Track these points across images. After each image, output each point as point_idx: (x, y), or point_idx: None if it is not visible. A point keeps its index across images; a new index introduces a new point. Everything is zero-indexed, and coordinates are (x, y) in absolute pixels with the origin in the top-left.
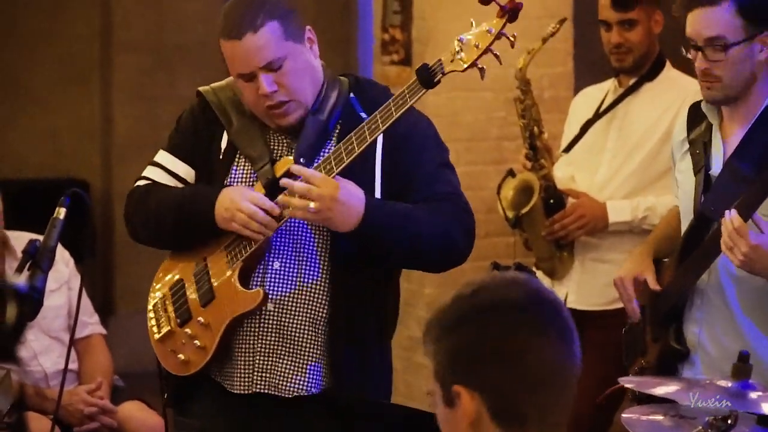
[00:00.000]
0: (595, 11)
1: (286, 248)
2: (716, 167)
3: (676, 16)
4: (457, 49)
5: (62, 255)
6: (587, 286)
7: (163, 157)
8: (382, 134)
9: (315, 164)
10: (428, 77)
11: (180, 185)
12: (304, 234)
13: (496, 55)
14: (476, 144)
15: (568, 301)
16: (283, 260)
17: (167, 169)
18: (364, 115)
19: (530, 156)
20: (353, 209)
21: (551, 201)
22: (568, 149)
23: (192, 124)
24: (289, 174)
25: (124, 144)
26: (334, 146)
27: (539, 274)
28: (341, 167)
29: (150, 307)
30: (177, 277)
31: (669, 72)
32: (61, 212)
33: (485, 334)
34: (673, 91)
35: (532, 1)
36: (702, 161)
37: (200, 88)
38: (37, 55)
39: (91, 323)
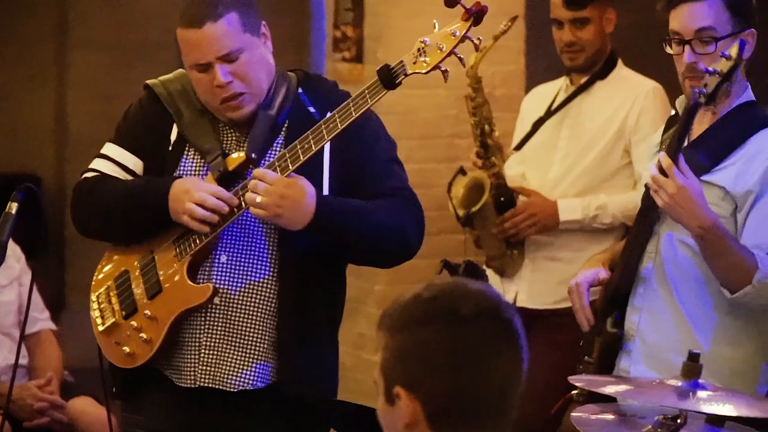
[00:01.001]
0: (547, 9)
1: (234, 242)
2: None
3: (658, 12)
4: (420, 50)
5: (14, 250)
6: (538, 285)
7: (111, 149)
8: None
9: (268, 160)
10: (390, 78)
11: (129, 177)
12: (253, 228)
13: (460, 58)
14: (429, 141)
15: (519, 299)
16: (231, 254)
17: (116, 161)
18: (312, 109)
19: (481, 154)
20: (304, 206)
21: (502, 199)
22: (519, 147)
23: (141, 117)
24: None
25: (79, 141)
26: (284, 141)
27: (489, 272)
28: (297, 165)
29: (93, 297)
30: (122, 268)
31: (621, 71)
32: (13, 207)
33: (436, 341)
34: (625, 90)
35: None
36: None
37: (148, 81)
38: None
39: (41, 319)
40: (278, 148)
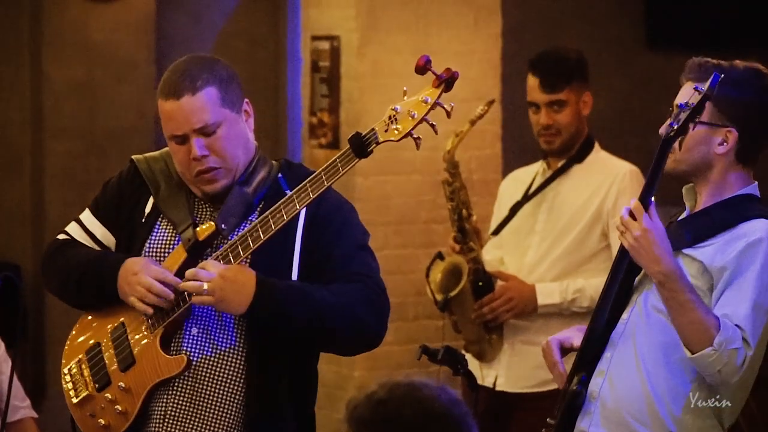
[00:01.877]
0: (523, 94)
1: (205, 315)
2: None
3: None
4: (391, 118)
5: None
6: (517, 369)
7: (86, 216)
8: (305, 209)
9: (232, 238)
10: (361, 146)
11: (96, 247)
12: None
13: (432, 125)
14: (405, 227)
15: (498, 383)
16: (201, 326)
17: (87, 229)
18: (288, 192)
19: (459, 239)
20: (244, 286)
21: (480, 284)
22: (496, 232)
23: (118, 190)
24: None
25: (56, 228)
26: (257, 220)
27: (469, 356)
28: (257, 244)
29: (65, 370)
30: (92, 340)
31: (598, 154)
32: None
33: None
34: (602, 173)
35: (461, 83)
36: None
37: (134, 156)
38: None
39: (22, 407)
40: (249, 226)
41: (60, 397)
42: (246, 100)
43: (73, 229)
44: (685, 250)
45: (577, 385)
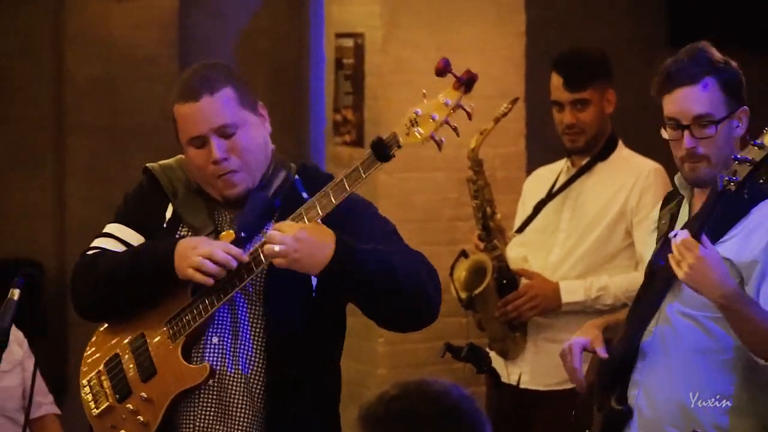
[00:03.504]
0: (547, 91)
1: (225, 323)
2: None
3: (653, 96)
4: (412, 121)
5: (16, 336)
6: (541, 367)
7: (113, 227)
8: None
9: (258, 240)
10: (383, 150)
11: None
12: (240, 311)
13: (454, 128)
14: (429, 225)
15: (522, 381)
16: (222, 335)
17: (119, 238)
18: (305, 195)
19: (483, 237)
20: (321, 245)
21: (504, 282)
22: (521, 230)
23: (140, 198)
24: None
25: (78, 225)
26: (275, 224)
27: (492, 354)
28: None
29: (84, 382)
30: (111, 351)
31: (621, 152)
32: (15, 293)
33: None
34: (626, 171)
35: (485, 81)
36: (666, 229)
37: (148, 165)
38: None
39: (45, 403)
40: (268, 231)
41: None
42: (260, 103)
43: (103, 242)
44: None
45: (621, 405)
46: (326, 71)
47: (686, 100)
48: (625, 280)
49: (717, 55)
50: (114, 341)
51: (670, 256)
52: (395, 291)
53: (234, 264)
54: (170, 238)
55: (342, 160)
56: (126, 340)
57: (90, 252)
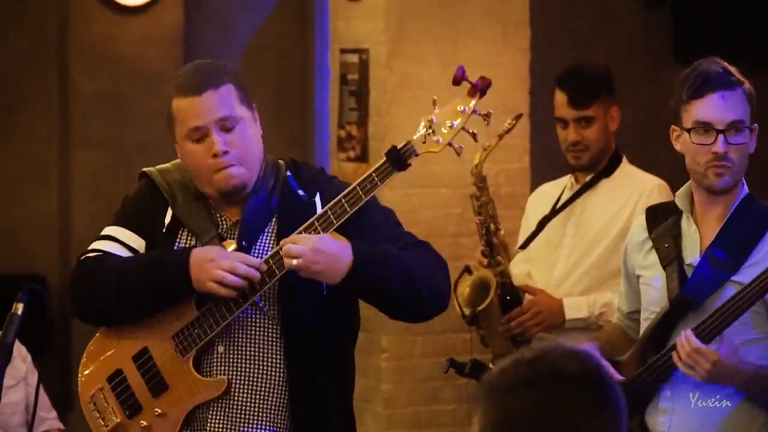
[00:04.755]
0: (551, 107)
1: (229, 331)
2: (692, 258)
3: (676, 101)
4: (428, 129)
5: (19, 351)
6: None
7: (113, 230)
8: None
9: (260, 246)
10: (399, 159)
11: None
12: (258, 318)
13: (472, 134)
14: (433, 240)
15: None
16: (227, 344)
17: (120, 240)
18: (301, 192)
19: (486, 253)
20: (340, 256)
21: (508, 298)
22: (524, 246)
23: (139, 201)
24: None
25: (83, 240)
26: (276, 226)
27: None
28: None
29: (87, 398)
30: (112, 366)
31: (625, 168)
32: (19, 308)
33: (540, 403)
34: (630, 187)
35: (490, 96)
36: (673, 253)
37: (145, 169)
38: None
39: (48, 418)
40: (271, 233)
41: None
42: (254, 104)
43: (101, 245)
44: (734, 278)
45: (640, 428)
46: (331, 87)
47: (723, 105)
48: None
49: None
50: (113, 354)
51: (682, 361)
52: (411, 291)
53: (257, 276)
54: (175, 247)
55: (347, 175)
56: (128, 355)
57: (91, 255)
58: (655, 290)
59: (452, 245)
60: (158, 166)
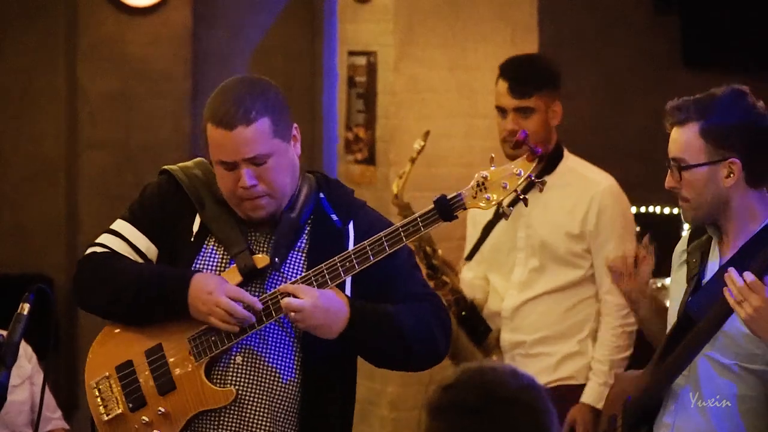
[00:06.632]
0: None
1: (251, 344)
2: (709, 275)
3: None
4: (480, 185)
5: (25, 350)
6: None
7: (123, 227)
8: (353, 233)
9: (292, 264)
10: (448, 210)
11: (139, 259)
12: (276, 331)
13: (524, 199)
14: (441, 244)
15: None
16: (247, 355)
17: (128, 240)
18: (335, 217)
19: (431, 275)
20: (337, 314)
21: (463, 313)
22: (470, 256)
23: (159, 201)
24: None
25: (90, 241)
26: (306, 245)
27: None
28: (336, 282)
29: (92, 383)
30: (124, 357)
31: (568, 161)
32: (25, 308)
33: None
34: (578, 187)
35: (491, 98)
36: (696, 269)
37: (167, 167)
38: (2, 152)
39: (54, 418)
40: (300, 250)
41: None
42: (295, 125)
43: (110, 241)
44: None
45: None
46: (339, 89)
47: (672, 141)
48: (609, 351)
49: None
50: (127, 344)
51: (726, 292)
52: (403, 350)
53: (253, 319)
54: (201, 254)
55: (354, 177)
56: (141, 347)
57: (98, 249)
58: (676, 303)
59: (460, 249)
60: (180, 165)
